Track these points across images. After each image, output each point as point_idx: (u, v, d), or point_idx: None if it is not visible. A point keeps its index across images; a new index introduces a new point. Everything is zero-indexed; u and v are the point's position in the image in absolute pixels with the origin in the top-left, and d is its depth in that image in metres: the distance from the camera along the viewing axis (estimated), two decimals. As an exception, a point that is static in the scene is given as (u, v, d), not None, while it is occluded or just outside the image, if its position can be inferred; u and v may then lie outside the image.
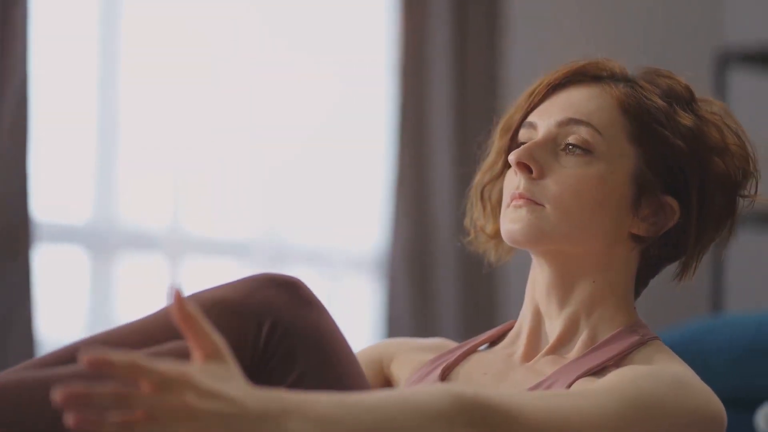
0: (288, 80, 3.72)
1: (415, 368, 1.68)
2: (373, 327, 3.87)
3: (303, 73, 3.75)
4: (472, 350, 1.67)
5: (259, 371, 1.41)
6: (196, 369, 1.13)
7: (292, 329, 1.42)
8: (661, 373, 1.45)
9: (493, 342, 1.69)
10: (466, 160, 3.86)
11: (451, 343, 1.75)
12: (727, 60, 4.15)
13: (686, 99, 1.60)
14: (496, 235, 1.68)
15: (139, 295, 3.50)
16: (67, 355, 1.40)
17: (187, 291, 3.54)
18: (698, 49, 4.41)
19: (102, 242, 3.42)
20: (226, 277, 3.60)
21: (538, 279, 1.62)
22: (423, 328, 3.75)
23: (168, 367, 1.11)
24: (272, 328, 1.42)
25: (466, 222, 1.73)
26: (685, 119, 1.57)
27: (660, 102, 1.58)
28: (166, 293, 1.15)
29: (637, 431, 1.38)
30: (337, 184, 3.82)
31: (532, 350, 1.61)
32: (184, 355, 1.22)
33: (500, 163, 1.67)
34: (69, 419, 1.07)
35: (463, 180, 3.82)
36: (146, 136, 3.48)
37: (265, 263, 3.68)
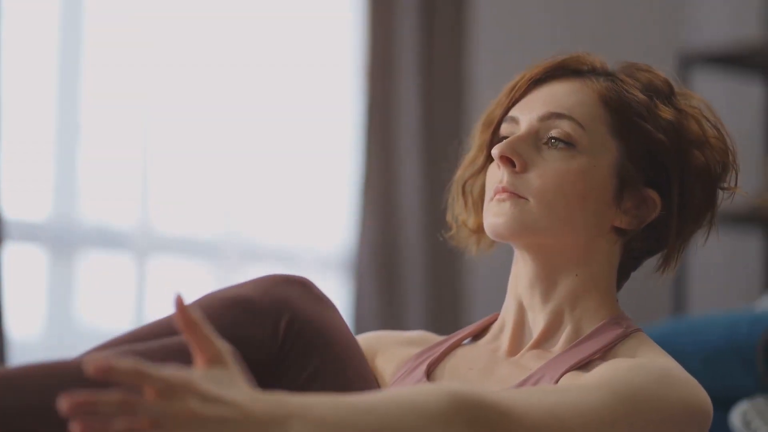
0: (255, 79, 3.72)
1: (400, 363, 1.68)
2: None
3: (270, 72, 3.75)
4: (456, 345, 1.68)
5: (278, 365, 1.43)
6: (200, 375, 1.14)
7: (309, 324, 1.44)
8: (648, 366, 1.46)
9: (477, 336, 1.70)
10: (433, 159, 3.92)
11: (433, 336, 1.75)
12: (690, 61, 4.18)
13: (666, 93, 1.62)
14: (479, 229, 1.69)
15: (103, 294, 3.49)
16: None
17: (170, 290, 3.52)
18: (661, 50, 4.44)
19: (62, 240, 3.40)
20: (193, 276, 3.64)
21: (521, 273, 1.63)
22: (390, 327, 3.75)
23: (172, 373, 1.11)
24: (290, 322, 1.44)
25: (448, 217, 1.73)
26: (666, 113, 1.59)
27: (641, 96, 1.59)
28: (171, 299, 1.15)
29: (627, 424, 1.39)
30: (305, 184, 3.83)
31: (516, 344, 1.62)
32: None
33: (482, 158, 1.67)
34: (74, 428, 1.08)
35: (431, 179, 3.88)
36: (109, 133, 3.47)
37: (232, 262, 3.68)
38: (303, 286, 1.47)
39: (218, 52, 3.66)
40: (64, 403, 1.07)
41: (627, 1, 4.55)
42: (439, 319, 3.86)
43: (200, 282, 3.68)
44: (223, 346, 1.17)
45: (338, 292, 3.90)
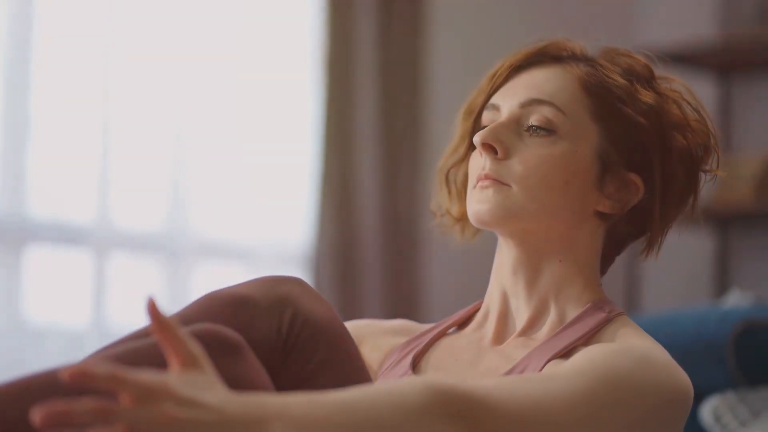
0: (214, 75, 3.72)
1: (386, 353, 1.68)
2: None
3: (230, 69, 3.75)
4: (442, 334, 1.67)
5: (283, 360, 1.42)
6: (175, 378, 1.13)
7: (310, 320, 1.44)
8: (628, 349, 1.46)
9: (462, 324, 1.69)
10: (391, 155, 3.94)
11: (415, 325, 1.75)
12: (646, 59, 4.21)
13: (646, 77, 1.63)
14: (463, 217, 1.69)
15: (57, 290, 3.47)
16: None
17: (127, 286, 3.46)
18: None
19: (11, 235, 3.38)
20: (151, 272, 3.62)
21: (505, 260, 1.63)
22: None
23: (147, 377, 1.10)
24: (293, 317, 1.43)
25: (432, 206, 1.73)
26: (646, 96, 1.59)
27: (621, 80, 1.60)
28: (144, 304, 1.15)
29: (608, 408, 1.39)
30: (263, 179, 3.82)
31: (501, 333, 1.62)
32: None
33: (464, 146, 1.67)
34: None
35: (388, 174, 3.90)
36: (65, 127, 3.45)
37: (191, 258, 3.67)
38: (300, 284, 1.47)
39: (177, 49, 3.65)
40: (36, 415, 1.05)
41: (581, 1, 4.58)
42: (397, 314, 3.85)
43: (157, 278, 3.66)
44: (197, 349, 1.16)
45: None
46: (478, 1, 4.35)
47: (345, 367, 1.45)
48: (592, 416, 1.37)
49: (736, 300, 2.79)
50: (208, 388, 1.13)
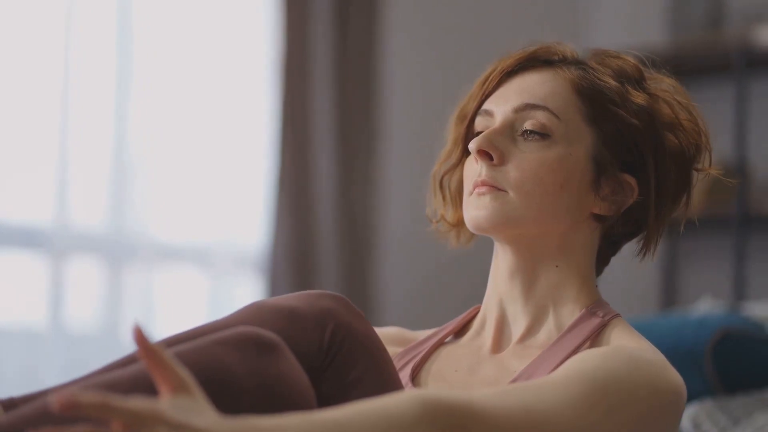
0: (171, 79, 3.72)
1: None
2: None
3: (187, 71, 3.75)
4: (439, 343, 1.67)
5: (323, 371, 1.43)
6: (166, 404, 1.13)
7: (351, 334, 1.45)
8: (618, 351, 1.46)
9: (458, 332, 1.69)
10: (347, 158, 3.96)
11: (409, 333, 1.74)
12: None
13: (636, 78, 1.63)
14: (458, 223, 1.69)
15: (15, 292, 3.44)
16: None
17: (88, 290, 3.43)
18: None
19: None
20: (108, 275, 3.60)
21: (501, 267, 1.63)
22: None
23: (138, 404, 1.11)
24: (334, 331, 1.44)
25: (428, 211, 1.73)
26: (638, 97, 1.60)
27: (612, 82, 1.60)
28: (131, 332, 1.15)
29: (601, 412, 1.39)
30: (220, 182, 3.82)
31: (499, 341, 1.62)
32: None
33: (458, 152, 1.67)
34: None
35: (344, 178, 3.91)
36: (21, 130, 3.42)
37: (147, 261, 3.66)
38: (342, 300, 1.48)
39: (136, 51, 3.64)
40: None
41: (530, 5, 4.61)
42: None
43: (115, 281, 3.64)
44: (186, 375, 1.16)
45: (252, 290, 3.90)
46: (431, 6, 4.37)
47: (382, 382, 1.45)
48: (586, 420, 1.37)
49: (707, 307, 2.81)
50: (198, 412, 1.14)
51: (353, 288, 3.97)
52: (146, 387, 1.26)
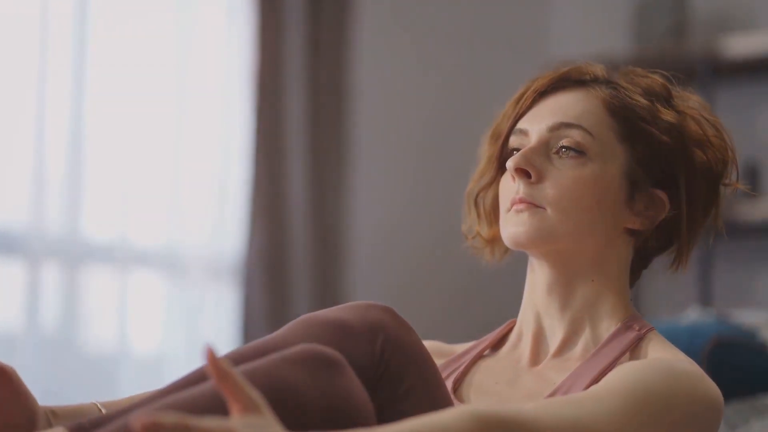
0: (145, 85, 3.73)
1: None
2: (229, 332, 3.90)
3: (160, 78, 3.76)
4: (478, 357, 1.71)
5: (374, 384, 1.45)
6: (237, 422, 1.17)
7: (401, 347, 1.47)
8: (657, 364, 1.51)
9: (495, 346, 1.73)
10: (320, 165, 4.00)
11: (445, 346, 1.78)
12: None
13: (665, 95, 1.68)
14: (493, 239, 1.72)
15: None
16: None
17: (62, 295, 3.43)
18: (528, 61, 4.57)
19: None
20: (84, 281, 3.59)
21: (538, 281, 1.66)
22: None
23: (213, 423, 1.15)
24: (384, 343, 1.46)
25: (463, 228, 1.76)
26: (667, 115, 1.65)
27: (643, 101, 1.65)
28: (203, 352, 1.19)
29: (641, 424, 1.44)
30: (193, 190, 3.83)
31: (537, 354, 1.66)
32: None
33: (492, 170, 1.71)
34: None
35: (318, 185, 3.95)
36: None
37: (121, 267, 3.67)
38: (391, 312, 1.50)
39: (108, 59, 3.65)
40: None
41: (496, 14, 4.66)
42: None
43: (91, 287, 3.64)
44: (255, 394, 1.20)
45: (226, 297, 3.91)
46: (401, 19, 4.43)
47: (431, 393, 1.48)
48: (628, 431, 1.42)
49: (696, 316, 2.86)
50: (267, 429, 1.18)
51: (325, 295, 4.00)
52: (218, 407, 1.29)
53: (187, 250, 3.81)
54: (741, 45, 4.04)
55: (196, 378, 1.43)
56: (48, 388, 3.39)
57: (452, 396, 1.63)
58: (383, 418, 1.41)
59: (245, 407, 1.19)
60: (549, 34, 4.69)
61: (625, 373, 1.49)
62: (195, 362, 3.72)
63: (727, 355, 2.56)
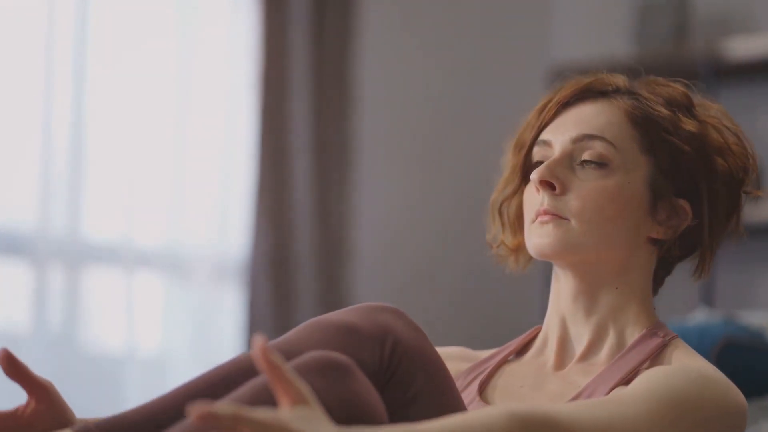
0: (150, 86, 3.74)
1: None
2: (234, 333, 3.92)
3: (165, 79, 3.78)
4: (503, 361, 1.73)
5: (383, 387, 1.47)
6: (289, 414, 1.20)
7: (410, 350, 1.49)
8: (686, 370, 1.54)
9: (520, 351, 1.75)
10: (324, 167, 4.02)
11: (470, 352, 1.80)
12: (561, 76, 4.30)
13: (686, 105, 1.70)
14: (517, 248, 1.75)
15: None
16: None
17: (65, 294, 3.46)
18: (531, 65, 4.60)
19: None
20: (90, 282, 3.60)
21: (563, 289, 1.69)
22: (284, 334, 3.80)
23: (266, 414, 1.18)
24: (393, 347, 1.48)
25: (488, 237, 1.78)
26: (689, 125, 1.67)
27: (665, 111, 1.67)
28: (252, 344, 1.21)
29: (670, 428, 1.47)
30: (198, 191, 3.84)
31: (562, 358, 1.68)
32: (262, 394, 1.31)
33: (516, 180, 1.73)
34: None
35: (322, 185, 3.97)
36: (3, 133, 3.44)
37: (126, 268, 3.69)
38: (401, 315, 1.52)
39: (112, 58, 3.66)
40: None
41: (497, 17, 4.68)
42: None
43: (96, 288, 3.66)
44: (304, 387, 1.23)
45: (231, 298, 3.93)
46: (405, 20, 4.45)
47: (441, 396, 1.50)
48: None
49: (703, 317, 2.88)
50: (317, 423, 1.21)
51: (330, 296, 4.02)
52: (266, 400, 1.32)
53: (192, 252, 3.83)
54: (743, 47, 4.05)
55: (226, 372, 1.46)
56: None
57: (478, 398, 1.66)
58: (390, 422, 1.42)
59: (295, 400, 1.22)
60: (551, 37, 4.70)
61: (655, 377, 1.52)
62: (199, 363, 3.75)
63: (736, 356, 2.58)
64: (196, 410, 1.15)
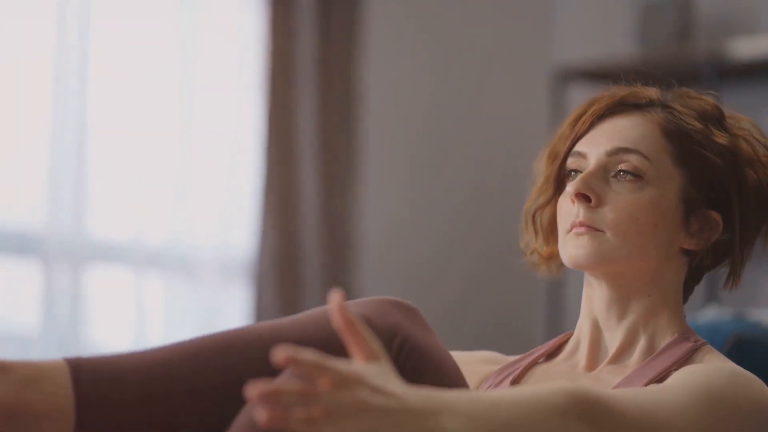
0: (157, 84, 3.75)
1: (480, 380, 1.77)
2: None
3: (173, 78, 3.79)
4: (533, 363, 1.77)
5: None
6: (364, 368, 1.23)
7: (418, 347, 1.52)
8: (721, 369, 1.58)
9: (550, 355, 1.79)
10: (330, 165, 4.04)
11: (501, 356, 1.84)
12: (565, 76, 4.34)
13: (717, 118, 1.74)
14: (550, 256, 1.78)
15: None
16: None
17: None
18: (534, 66, 4.62)
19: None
20: (99, 281, 3.63)
21: (596, 295, 1.72)
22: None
23: (345, 366, 1.21)
24: (402, 343, 1.51)
25: (522, 244, 1.81)
26: (721, 138, 1.70)
27: (697, 124, 1.70)
28: (329, 299, 1.24)
29: (706, 423, 1.50)
30: (206, 190, 3.85)
31: (593, 360, 1.72)
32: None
33: (550, 191, 1.75)
34: (261, 415, 1.16)
35: (329, 185, 4.00)
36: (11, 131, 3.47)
37: (134, 267, 3.70)
38: (412, 312, 1.55)
39: (118, 57, 3.67)
40: (252, 391, 1.15)
41: (501, 17, 4.70)
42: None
43: (104, 287, 3.70)
44: (376, 344, 1.26)
45: (239, 296, 3.95)
46: (410, 20, 4.49)
47: None
48: (696, 429, 1.48)
49: (714, 315, 2.91)
50: (389, 379, 1.23)
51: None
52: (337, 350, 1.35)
53: (199, 250, 3.85)
54: (746, 48, 4.09)
55: (313, 319, 1.51)
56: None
57: None
58: None
59: (368, 356, 1.24)
60: (554, 38, 4.73)
61: (690, 373, 1.56)
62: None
63: (747, 352, 2.61)
64: (282, 352, 1.17)
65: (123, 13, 3.73)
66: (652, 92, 1.75)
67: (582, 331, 1.74)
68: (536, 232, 1.79)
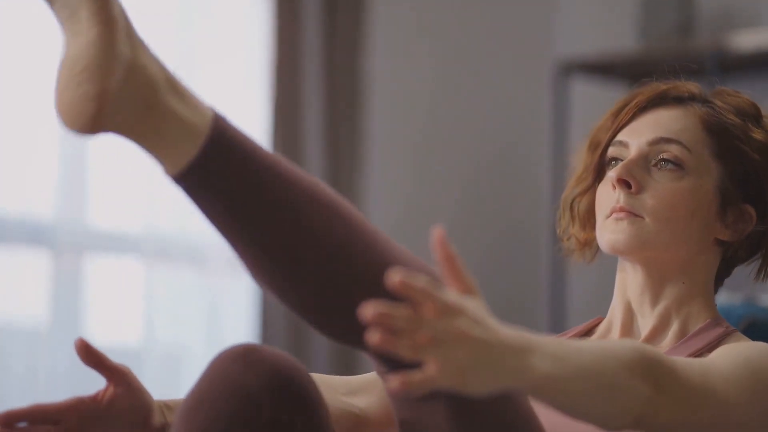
0: None
1: None
2: (247, 324, 3.97)
3: (180, 74, 3.78)
4: None
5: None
6: (465, 301, 1.24)
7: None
8: (758, 346, 1.63)
9: (581, 338, 1.83)
10: (335, 157, 4.08)
11: None
12: (568, 69, 4.37)
13: (755, 115, 1.79)
14: (586, 242, 1.82)
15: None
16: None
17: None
18: (537, 59, 4.66)
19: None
20: (109, 272, 3.65)
21: (630, 280, 1.77)
22: (297, 327, 3.90)
23: (450, 296, 1.22)
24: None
25: (559, 231, 1.86)
26: (758, 134, 1.76)
27: (737, 120, 1.76)
28: (432, 235, 1.26)
29: (751, 392, 1.54)
30: None
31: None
32: None
33: (589, 178, 1.81)
34: (374, 337, 1.17)
35: (335, 179, 4.02)
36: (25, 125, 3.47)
37: (144, 259, 3.74)
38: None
39: None
40: (368, 311, 1.16)
41: (503, 12, 4.73)
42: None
43: (114, 279, 3.73)
44: (472, 279, 1.28)
45: (246, 289, 3.97)
46: (414, 15, 4.53)
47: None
48: (754, 403, 1.53)
49: (723, 298, 2.96)
50: (485, 313, 1.25)
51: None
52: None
53: (208, 241, 3.86)
54: (748, 41, 4.12)
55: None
56: (73, 384, 3.46)
57: None
58: None
59: (465, 289, 1.26)
60: (556, 32, 4.76)
61: (730, 349, 1.61)
62: (214, 353, 3.78)
63: (759, 336, 2.66)
64: (399, 276, 1.18)
65: (130, 10, 3.72)
66: (693, 87, 1.81)
67: (615, 314, 1.79)
68: (573, 219, 1.84)
